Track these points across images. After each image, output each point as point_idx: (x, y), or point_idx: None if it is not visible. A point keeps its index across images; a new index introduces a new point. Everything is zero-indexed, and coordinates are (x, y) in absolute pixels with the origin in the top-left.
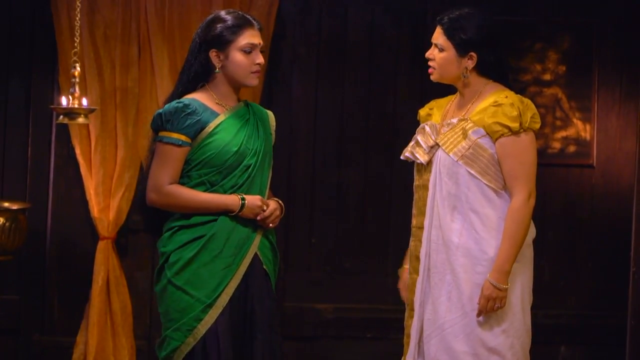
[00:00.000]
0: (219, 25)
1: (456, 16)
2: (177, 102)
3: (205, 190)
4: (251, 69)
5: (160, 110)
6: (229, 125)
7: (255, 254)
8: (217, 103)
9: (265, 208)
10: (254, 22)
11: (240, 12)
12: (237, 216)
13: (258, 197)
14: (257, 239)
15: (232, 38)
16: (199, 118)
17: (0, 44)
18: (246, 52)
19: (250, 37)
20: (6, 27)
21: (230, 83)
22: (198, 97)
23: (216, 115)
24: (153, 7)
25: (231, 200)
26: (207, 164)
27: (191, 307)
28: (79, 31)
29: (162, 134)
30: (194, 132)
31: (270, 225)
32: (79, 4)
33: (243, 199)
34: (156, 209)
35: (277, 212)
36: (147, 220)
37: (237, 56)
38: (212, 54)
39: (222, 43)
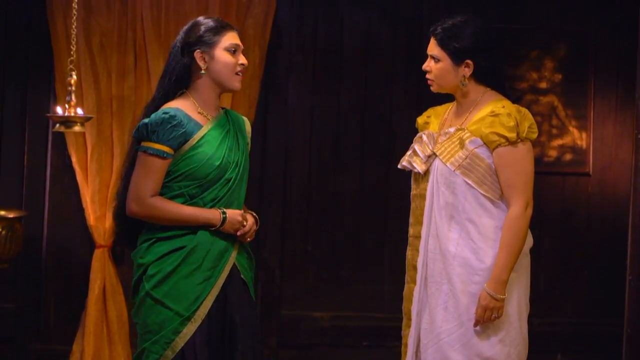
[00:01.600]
0: (202, 27)
1: (449, 25)
2: (164, 113)
3: (184, 202)
4: (235, 69)
5: (146, 120)
6: (212, 137)
7: (233, 265)
8: (199, 112)
9: (245, 223)
10: (234, 27)
11: (218, 17)
12: (217, 230)
13: (238, 211)
14: (235, 251)
15: (217, 39)
16: (184, 130)
17: None
18: (231, 52)
19: (233, 38)
20: (2, 35)
21: (215, 86)
22: (181, 107)
23: (199, 126)
24: (149, 15)
25: (212, 214)
26: (188, 176)
27: (170, 320)
28: (75, 39)
29: (147, 144)
30: (178, 144)
31: (248, 239)
32: (75, 12)
33: (224, 213)
34: (133, 220)
35: (255, 227)
36: (123, 231)
37: (223, 55)
38: (198, 55)
39: (207, 43)
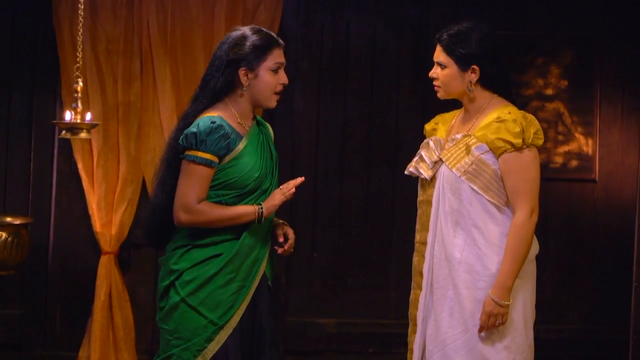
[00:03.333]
0: (248, 44)
1: (455, 32)
2: (211, 122)
3: None
4: (276, 89)
5: (194, 130)
6: (251, 148)
7: (263, 273)
8: (239, 122)
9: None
10: (280, 41)
11: (266, 31)
12: (256, 233)
13: (274, 195)
14: (265, 260)
15: (263, 57)
16: (229, 140)
17: (3, 59)
18: (274, 71)
19: (278, 57)
20: (8, 42)
21: (251, 102)
22: (224, 116)
23: (240, 137)
24: (155, 22)
25: (252, 210)
26: (227, 186)
27: (203, 328)
28: (81, 46)
29: (195, 153)
30: (223, 154)
31: (292, 250)
32: (82, 19)
33: (260, 206)
34: (162, 225)
35: (294, 239)
36: (152, 235)
37: (266, 75)
38: (241, 72)
39: (253, 61)
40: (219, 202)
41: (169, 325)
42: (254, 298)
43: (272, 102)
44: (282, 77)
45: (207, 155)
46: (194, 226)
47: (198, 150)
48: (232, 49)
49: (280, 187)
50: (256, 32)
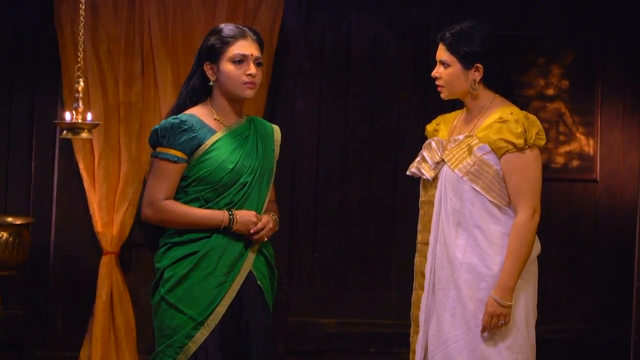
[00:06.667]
0: (212, 37)
1: (457, 31)
2: (174, 118)
3: (200, 206)
4: (242, 80)
5: (157, 126)
6: (226, 143)
7: (250, 271)
8: (215, 119)
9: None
10: (248, 33)
11: (237, 25)
12: (231, 233)
13: (252, 212)
14: (251, 256)
15: (223, 49)
16: (195, 135)
17: (4, 59)
18: (236, 63)
19: (240, 48)
20: (10, 42)
21: (226, 96)
22: (197, 113)
23: (213, 132)
24: (156, 22)
25: (221, 214)
26: (202, 180)
27: (183, 325)
28: (82, 46)
29: (158, 149)
30: (190, 149)
31: (265, 238)
32: (83, 19)
33: (232, 213)
34: (156, 229)
35: (270, 225)
36: (147, 235)
37: (226, 67)
38: (207, 67)
39: (214, 55)
40: (198, 198)
41: (156, 323)
42: (239, 296)
43: (243, 92)
44: (248, 68)
45: (170, 151)
46: (160, 224)
47: (161, 146)
48: (201, 45)
49: (265, 218)
50: (226, 25)
